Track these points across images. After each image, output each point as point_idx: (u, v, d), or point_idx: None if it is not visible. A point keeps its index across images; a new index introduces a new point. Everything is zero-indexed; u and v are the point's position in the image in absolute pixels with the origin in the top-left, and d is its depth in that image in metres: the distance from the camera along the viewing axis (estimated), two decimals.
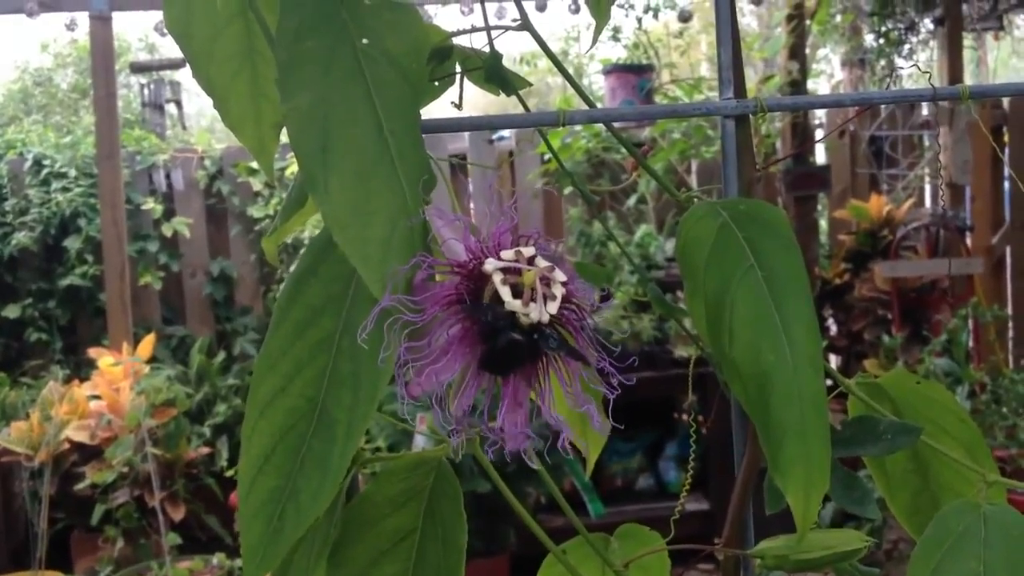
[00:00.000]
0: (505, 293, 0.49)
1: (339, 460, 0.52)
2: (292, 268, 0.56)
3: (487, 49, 0.60)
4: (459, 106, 0.61)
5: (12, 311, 4.45)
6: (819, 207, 4.86)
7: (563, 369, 0.52)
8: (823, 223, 5.00)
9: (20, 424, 3.66)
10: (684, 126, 4.25)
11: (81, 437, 3.59)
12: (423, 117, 0.56)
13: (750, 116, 0.63)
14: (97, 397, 3.68)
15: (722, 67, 0.64)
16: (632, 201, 4.40)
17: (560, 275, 0.51)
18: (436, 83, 0.63)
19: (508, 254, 0.51)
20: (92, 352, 3.84)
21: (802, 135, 4.27)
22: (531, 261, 0.51)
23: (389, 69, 0.54)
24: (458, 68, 0.64)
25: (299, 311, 0.55)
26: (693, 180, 4.38)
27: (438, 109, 0.63)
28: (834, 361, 4.51)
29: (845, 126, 4.56)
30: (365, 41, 0.54)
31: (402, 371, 0.49)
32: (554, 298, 0.50)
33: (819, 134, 4.95)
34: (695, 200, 0.64)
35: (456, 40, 0.64)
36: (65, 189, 4.50)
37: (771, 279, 0.56)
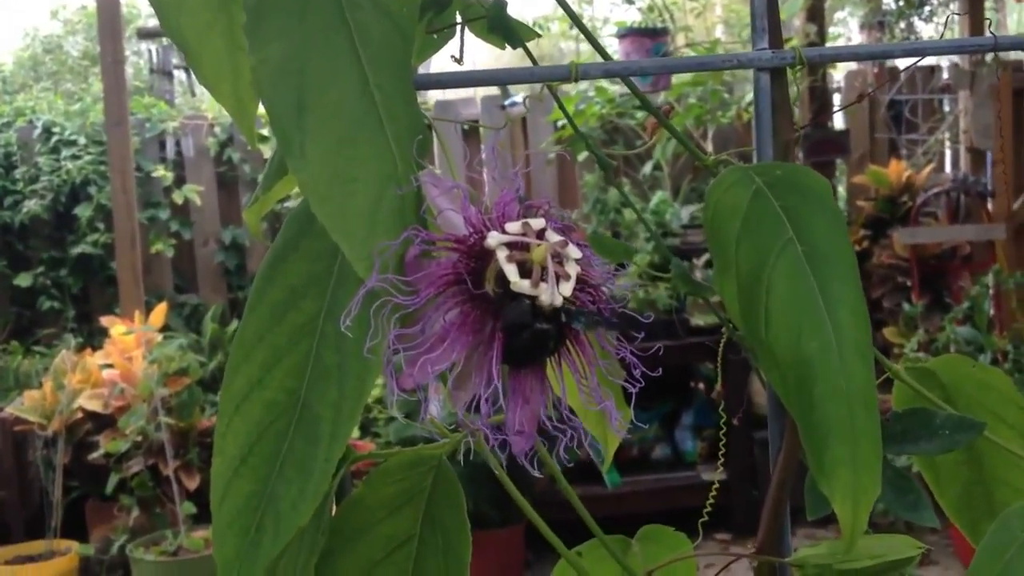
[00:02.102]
0: (511, 272, 0.43)
1: (324, 463, 0.47)
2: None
3: None
4: (459, 60, 0.55)
5: (24, 279, 4.43)
6: (837, 173, 4.79)
7: (578, 359, 0.46)
8: (841, 189, 4.93)
9: (33, 393, 3.65)
10: (700, 90, 4.18)
11: (94, 406, 3.58)
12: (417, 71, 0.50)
13: (787, 71, 0.56)
14: (110, 366, 3.67)
15: (755, 14, 0.57)
16: (647, 168, 4.34)
17: (574, 250, 0.45)
18: (434, 36, 0.58)
19: (514, 226, 0.45)
20: (104, 321, 3.82)
21: (820, 99, 4.19)
22: (541, 235, 0.45)
23: (376, 15, 0.47)
24: (458, 18, 0.58)
25: (277, 292, 0.50)
26: (709, 146, 4.31)
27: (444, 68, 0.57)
28: None
29: (865, 90, 4.48)
30: None
31: (391, 361, 0.43)
32: (568, 277, 0.44)
33: (836, 98, 4.87)
34: (723, 166, 0.58)
35: None
36: (75, 157, 4.47)
37: (813, 255, 0.49)
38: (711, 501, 0.68)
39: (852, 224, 4.40)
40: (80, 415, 3.58)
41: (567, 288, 0.44)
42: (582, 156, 4.34)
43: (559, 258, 0.45)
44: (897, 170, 4.25)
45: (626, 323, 0.47)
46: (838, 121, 4.72)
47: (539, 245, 0.44)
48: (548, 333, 0.43)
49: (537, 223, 0.45)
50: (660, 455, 3.95)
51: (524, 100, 4.27)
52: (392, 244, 0.44)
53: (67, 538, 3.48)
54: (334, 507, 0.53)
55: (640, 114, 4.18)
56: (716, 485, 0.71)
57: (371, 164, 0.45)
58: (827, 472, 0.47)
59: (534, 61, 0.56)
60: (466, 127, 4.44)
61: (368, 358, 0.46)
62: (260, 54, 0.46)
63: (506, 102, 3.99)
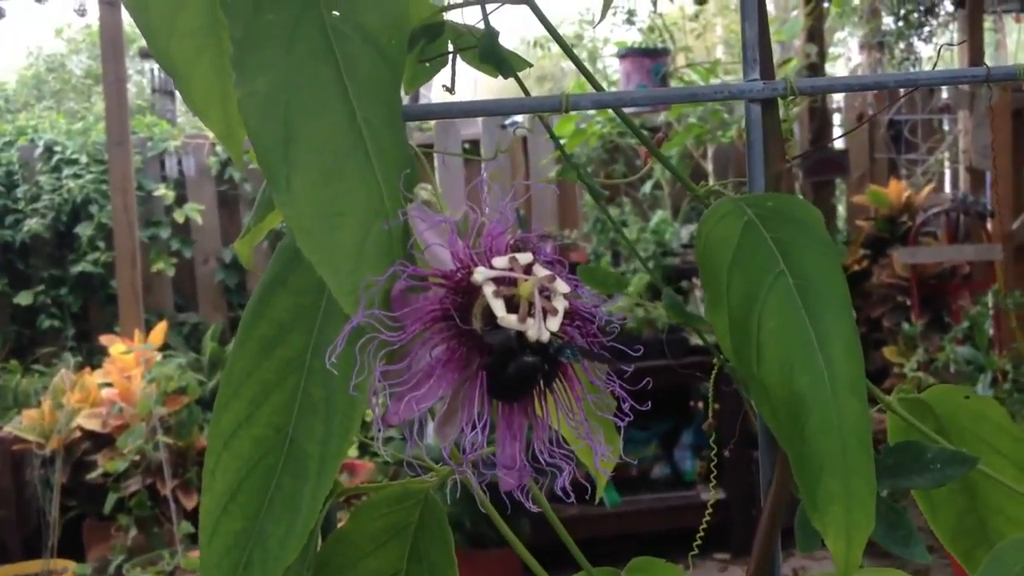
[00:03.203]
0: (498, 307, 0.42)
1: (311, 500, 0.46)
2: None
3: (483, 26, 0.54)
4: (451, 90, 0.55)
5: (24, 298, 4.43)
6: (837, 192, 4.80)
7: (565, 394, 0.45)
8: (841, 209, 4.94)
9: (32, 412, 3.64)
10: (700, 110, 4.19)
11: (93, 425, 3.57)
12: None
13: (778, 101, 0.56)
14: (109, 385, 3.66)
15: (747, 45, 0.57)
16: (647, 187, 4.34)
17: (562, 285, 0.44)
18: (427, 64, 0.57)
19: (501, 261, 0.44)
20: (104, 339, 3.82)
21: (820, 120, 4.20)
22: (528, 269, 0.44)
23: (364, 47, 0.46)
24: (450, 47, 0.58)
25: (266, 327, 0.49)
26: (709, 165, 4.32)
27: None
28: None
29: (865, 110, 4.48)
30: (335, 14, 0.47)
31: (376, 398, 0.42)
32: (555, 312, 0.43)
33: (836, 118, 4.88)
34: (714, 196, 0.58)
35: (448, 16, 0.57)
36: (76, 176, 4.48)
37: (805, 287, 0.49)
38: (706, 520, 0.67)
39: (852, 244, 4.41)
40: (78, 434, 3.57)
41: (554, 323, 0.43)
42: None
43: (547, 292, 0.44)
44: (897, 190, 4.26)
45: (615, 356, 0.46)
46: (838, 141, 4.73)
47: (526, 280, 0.43)
48: (534, 366, 0.43)
49: (524, 258, 0.45)
50: (659, 474, 3.94)
51: (525, 120, 4.28)
52: (379, 280, 0.44)
53: (64, 557, 3.46)
54: (320, 541, 0.53)
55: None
56: (711, 506, 0.70)
57: (358, 198, 0.45)
58: (820, 508, 0.46)
59: (526, 92, 0.55)
60: (467, 146, 4.45)
61: (354, 395, 0.46)
62: (247, 87, 0.45)
63: (507, 122, 4.00)
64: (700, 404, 4.07)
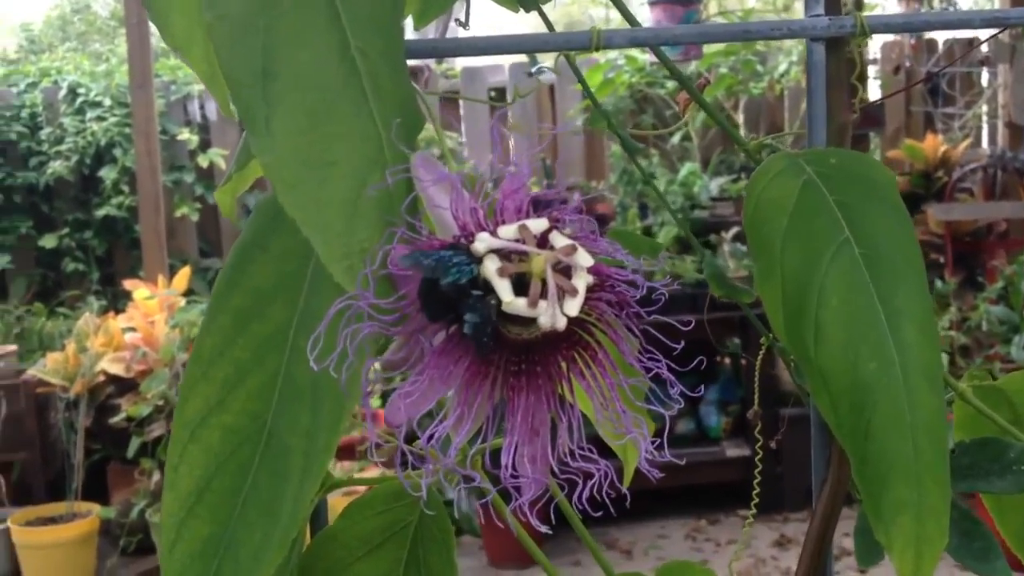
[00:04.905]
0: (503, 289, 0.34)
1: (293, 504, 0.39)
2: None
3: None
4: (465, 25, 0.50)
5: (49, 241, 4.43)
6: (872, 146, 4.70)
7: (596, 378, 0.38)
8: None
9: (56, 355, 3.64)
10: (732, 60, 4.09)
11: (116, 370, 3.57)
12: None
13: (844, 41, 0.49)
14: (132, 329, 3.66)
15: None
16: (676, 139, 4.26)
17: (585, 257, 0.36)
18: None
19: (508, 231, 0.36)
20: (128, 284, 3.81)
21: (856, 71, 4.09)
22: (544, 239, 0.36)
23: None
24: None
25: (241, 297, 0.41)
26: (740, 118, 4.23)
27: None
28: None
29: (901, 62, 4.37)
30: None
31: (371, 386, 0.35)
32: (574, 293, 0.35)
33: (872, 71, 4.76)
34: (767, 151, 0.51)
35: None
36: (100, 118, 4.45)
37: (874, 259, 0.42)
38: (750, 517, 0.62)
39: None
40: (102, 378, 3.58)
41: (573, 306, 0.36)
42: None
43: (565, 268, 0.37)
44: (933, 144, 4.16)
45: (650, 352, 0.39)
46: (873, 93, 4.62)
47: (538, 254, 0.36)
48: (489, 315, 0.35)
49: (537, 225, 0.37)
50: (684, 430, 3.91)
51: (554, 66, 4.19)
52: (377, 245, 0.36)
53: (88, 500, 3.48)
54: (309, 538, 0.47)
55: (671, 83, 4.11)
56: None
57: (351, 144, 0.38)
58: (885, 517, 0.40)
59: (551, 27, 0.50)
60: (493, 94, 4.38)
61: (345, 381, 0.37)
62: (218, 8, 0.38)
63: (533, 68, 3.91)
64: (727, 360, 4.03)
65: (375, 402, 3.52)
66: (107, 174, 4.40)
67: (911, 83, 4.47)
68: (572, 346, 0.38)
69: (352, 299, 0.35)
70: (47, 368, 3.62)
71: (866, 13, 0.48)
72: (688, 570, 0.57)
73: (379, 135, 0.38)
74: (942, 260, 3.96)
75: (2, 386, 3.59)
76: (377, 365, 0.37)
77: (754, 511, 0.60)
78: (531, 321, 0.36)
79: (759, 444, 0.67)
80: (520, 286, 0.36)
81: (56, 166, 4.36)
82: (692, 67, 4.10)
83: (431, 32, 0.50)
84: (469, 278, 0.34)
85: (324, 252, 0.37)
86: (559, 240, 0.37)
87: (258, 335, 0.42)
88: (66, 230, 4.45)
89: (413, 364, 0.37)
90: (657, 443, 0.41)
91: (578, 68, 0.50)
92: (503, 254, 0.36)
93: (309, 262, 0.42)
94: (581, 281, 0.37)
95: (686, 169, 4.04)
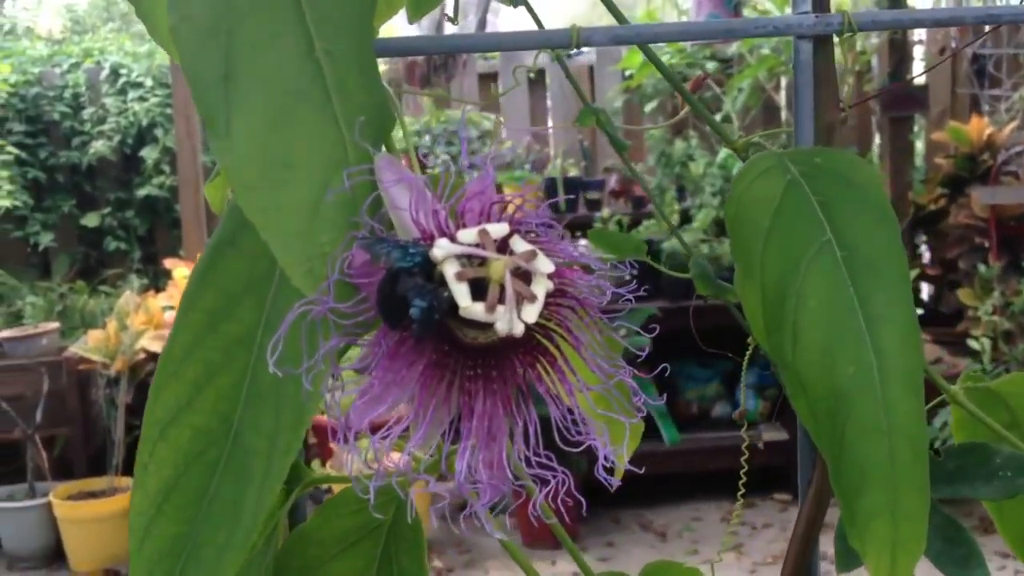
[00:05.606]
0: (460, 294, 0.34)
1: (254, 506, 0.39)
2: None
3: None
4: (454, 20, 0.49)
5: (92, 220, 4.49)
6: (915, 128, 4.62)
7: (555, 383, 0.37)
8: (919, 145, 4.76)
9: (97, 333, 3.69)
10: (776, 40, 4.04)
11: (156, 347, 3.62)
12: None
13: (833, 37, 0.47)
14: (172, 308, 3.70)
15: None
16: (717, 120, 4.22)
17: (544, 264, 0.36)
18: None
19: (468, 235, 0.36)
20: (167, 263, 3.85)
21: (900, 53, 4.03)
22: (504, 244, 0.36)
23: None
24: None
25: (212, 296, 0.41)
26: (782, 99, 4.18)
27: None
28: (925, 291, 4.33)
29: (947, 43, 4.29)
30: None
31: (332, 394, 0.35)
32: (533, 299, 0.35)
33: (918, 51, 4.68)
34: (754, 148, 0.50)
35: None
36: (142, 99, 4.49)
37: (854, 261, 0.40)
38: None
39: (929, 182, 4.25)
40: (143, 355, 3.62)
41: (531, 312, 0.35)
42: (649, 108, 4.23)
43: (525, 274, 0.36)
44: (978, 127, 4.08)
45: (615, 360, 0.37)
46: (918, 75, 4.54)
47: (497, 260, 0.35)
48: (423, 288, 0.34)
49: (498, 230, 0.36)
50: (720, 413, 3.90)
51: (591, 49, 4.16)
52: (338, 249, 0.36)
53: (128, 475, 3.53)
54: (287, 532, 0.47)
55: (710, 66, 4.06)
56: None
57: (313, 146, 0.37)
58: (858, 523, 0.39)
59: (539, 23, 0.49)
60: (532, 75, 4.36)
61: (307, 384, 0.37)
62: (182, 9, 0.37)
63: (572, 51, 3.88)
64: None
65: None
66: (148, 154, 4.45)
67: (940, 63, 4.39)
68: (531, 351, 0.37)
69: (311, 303, 0.35)
70: (89, 345, 3.68)
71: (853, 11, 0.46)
72: (672, 569, 0.56)
73: (342, 137, 0.38)
74: (986, 244, 3.90)
75: (45, 363, 3.65)
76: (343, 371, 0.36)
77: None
78: (489, 326, 0.35)
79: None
80: (479, 290, 0.35)
81: (98, 146, 4.41)
82: (734, 47, 4.05)
83: (426, 26, 0.50)
84: (419, 264, 0.34)
85: (283, 256, 0.36)
86: (520, 245, 0.37)
87: (228, 335, 0.42)
88: (108, 209, 4.51)
89: (372, 368, 0.36)
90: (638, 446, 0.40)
91: (569, 70, 0.49)
92: (463, 259, 0.36)
93: (277, 263, 0.40)
94: (541, 287, 0.36)
95: (725, 152, 4.00)
